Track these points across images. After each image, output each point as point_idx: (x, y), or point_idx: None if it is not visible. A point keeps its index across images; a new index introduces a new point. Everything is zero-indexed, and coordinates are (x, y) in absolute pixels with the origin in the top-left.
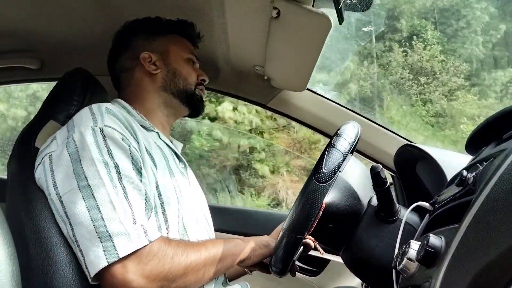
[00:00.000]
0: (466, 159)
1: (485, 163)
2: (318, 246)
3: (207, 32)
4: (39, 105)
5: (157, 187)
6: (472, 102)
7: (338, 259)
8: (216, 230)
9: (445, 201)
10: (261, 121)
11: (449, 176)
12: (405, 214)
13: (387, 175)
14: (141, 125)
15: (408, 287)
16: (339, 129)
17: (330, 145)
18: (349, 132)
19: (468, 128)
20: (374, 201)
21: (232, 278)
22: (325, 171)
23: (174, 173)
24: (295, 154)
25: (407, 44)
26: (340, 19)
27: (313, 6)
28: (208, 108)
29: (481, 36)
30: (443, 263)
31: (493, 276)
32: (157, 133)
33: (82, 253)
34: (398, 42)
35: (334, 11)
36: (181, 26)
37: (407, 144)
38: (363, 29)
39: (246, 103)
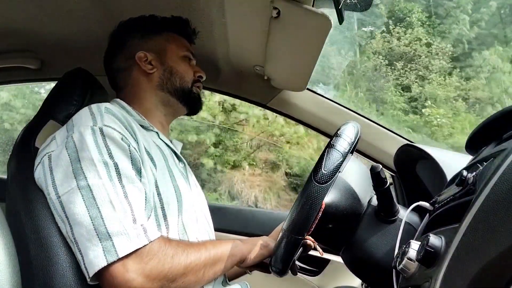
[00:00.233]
0: (466, 159)
1: (485, 163)
2: (317, 247)
3: (207, 32)
4: (11, 114)
5: (157, 187)
6: (447, 85)
7: (338, 259)
8: (216, 230)
9: (445, 201)
10: (213, 116)
11: (449, 176)
12: (405, 214)
13: (387, 175)
14: (140, 125)
15: (408, 287)
16: (338, 129)
17: (329, 146)
18: (349, 133)
19: (432, 112)
20: (374, 201)
21: (231, 278)
22: (325, 172)
23: (173, 173)
24: (257, 147)
25: (387, 29)
26: (340, 19)
27: (313, 6)
28: None
29: (471, 15)
30: (443, 263)
31: (493, 276)
32: (157, 132)
33: (81, 253)
34: (378, 27)
35: (334, 11)
36: (176, 23)
37: (407, 144)
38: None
39: None
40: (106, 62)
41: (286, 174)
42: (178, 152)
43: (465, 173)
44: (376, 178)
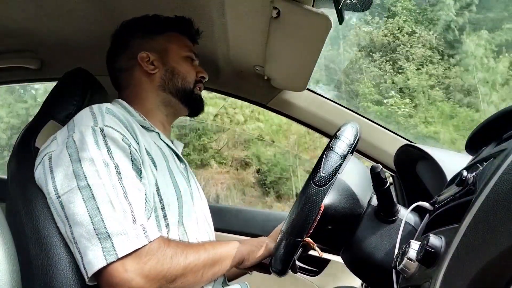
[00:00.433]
0: (466, 159)
1: (485, 163)
2: (317, 248)
3: (207, 32)
4: None
5: (157, 188)
6: (424, 73)
7: (338, 259)
8: (216, 230)
9: (445, 201)
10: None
11: (449, 176)
12: (405, 214)
13: (387, 175)
14: (141, 126)
15: (408, 287)
16: (337, 131)
17: (328, 148)
18: (348, 134)
19: (396, 103)
20: (374, 201)
21: (231, 279)
22: (323, 174)
23: (174, 174)
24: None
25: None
26: (340, 19)
27: (313, 6)
28: None
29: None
30: (443, 263)
31: (493, 276)
32: (158, 133)
33: (80, 253)
34: (359, 19)
35: (334, 11)
36: (179, 23)
37: (407, 144)
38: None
39: None
40: (109, 62)
41: (258, 171)
42: (179, 153)
43: (465, 173)
44: (376, 178)
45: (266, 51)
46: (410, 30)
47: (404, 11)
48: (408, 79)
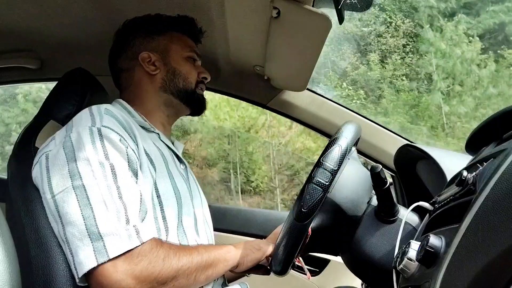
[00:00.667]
0: (466, 159)
1: (485, 163)
2: (305, 269)
3: (207, 32)
4: None
5: (156, 189)
6: (390, 64)
7: (338, 259)
8: (216, 230)
9: (445, 201)
10: None
11: (449, 176)
12: (405, 214)
13: (387, 175)
14: (141, 127)
15: (408, 287)
16: (322, 155)
17: (309, 179)
18: (332, 158)
19: (346, 92)
20: (374, 201)
21: (231, 280)
22: (304, 210)
23: (173, 175)
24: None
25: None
26: (340, 19)
27: (313, 6)
28: None
29: None
30: (443, 263)
31: (493, 276)
32: (158, 134)
33: (71, 252)
34: None
35: (334, 11)
36: (181, 22)
37: (407, 144)
38: None
39: None
40: (111, 62)
41: (224, 169)
42: (179, 154)
43: (465, 173)
44: (376, 178)
45: (266, 51)
46: (386, 20)
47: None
48: (371, 70)
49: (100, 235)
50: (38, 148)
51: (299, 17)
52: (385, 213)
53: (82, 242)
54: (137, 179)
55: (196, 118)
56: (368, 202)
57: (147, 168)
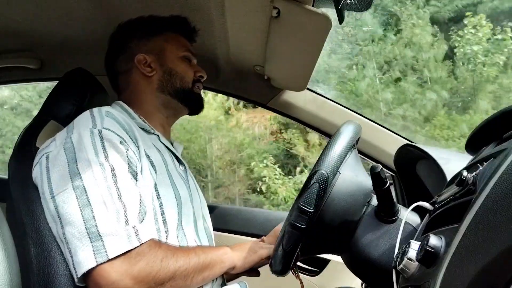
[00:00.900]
0: (466, 159)
1: (485, 163)
2: (300, 279)
3: (207, 31)
4: None
5: (156, 190)
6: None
7: (338, 259)
8: (216, 230)
9: (445, 201)
10: None
11: (449, 176)
12: (405, 214)
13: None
14: (141, 128)
15: (408, 287)
16: (299, 196)
17: (288, 223)
18: (310, 199)
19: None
20: (374, 201)
21: (229, 280)
22: (279, 253)
23: (173, 177)
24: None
25: None
26: (340, 19)
27: (313, 6)
28: None
29: None
30: (443, 263)
31: (493, 276)
32: (157, 135)
33: (70, 252)
34: None
35: (334, 11)
36: (175, 22)
37: (407, 144)
38: None
39: None
40: (107, 64)
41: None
42: (179, 155)
43: (465, 173)
44: (376, 178)
45: (266, 51)
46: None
47: None
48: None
49: (100, 235)
50: (39, 148)
51: (299, 17)
52: (385, 213)
53: (81, 242)
54: (136, 180)
55: None
56: (368, 202)
57: (147, 170)
